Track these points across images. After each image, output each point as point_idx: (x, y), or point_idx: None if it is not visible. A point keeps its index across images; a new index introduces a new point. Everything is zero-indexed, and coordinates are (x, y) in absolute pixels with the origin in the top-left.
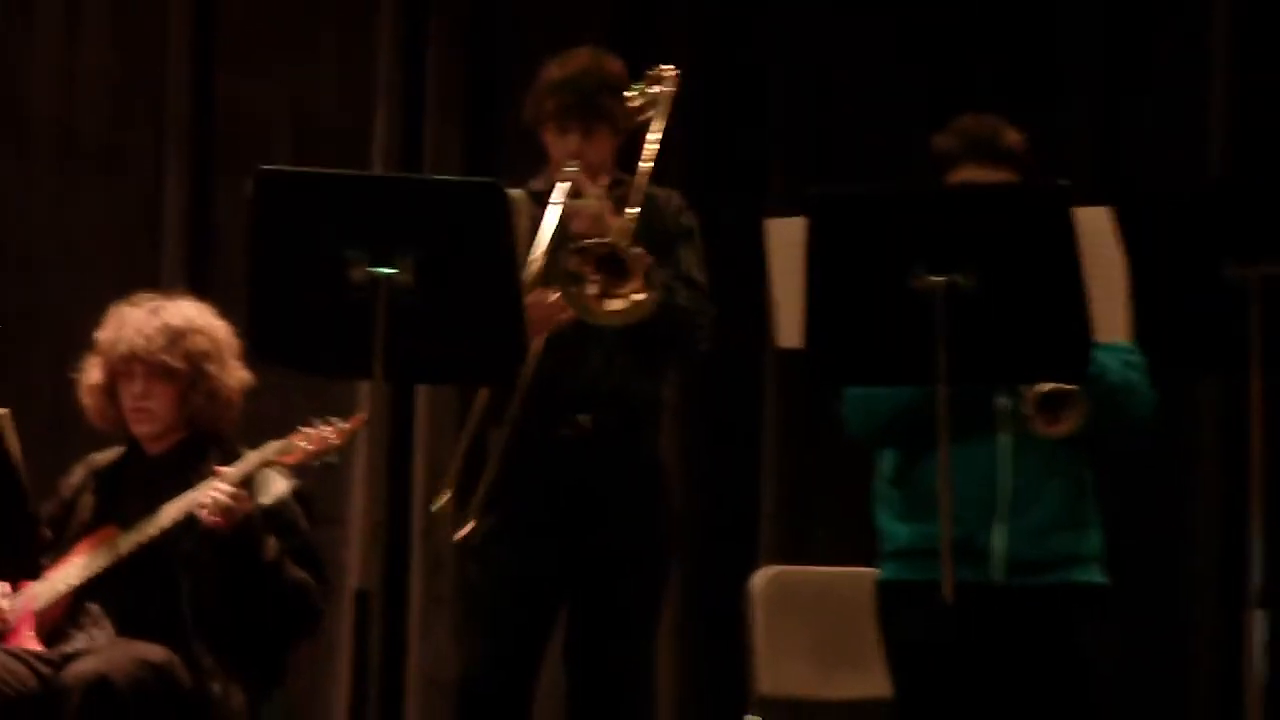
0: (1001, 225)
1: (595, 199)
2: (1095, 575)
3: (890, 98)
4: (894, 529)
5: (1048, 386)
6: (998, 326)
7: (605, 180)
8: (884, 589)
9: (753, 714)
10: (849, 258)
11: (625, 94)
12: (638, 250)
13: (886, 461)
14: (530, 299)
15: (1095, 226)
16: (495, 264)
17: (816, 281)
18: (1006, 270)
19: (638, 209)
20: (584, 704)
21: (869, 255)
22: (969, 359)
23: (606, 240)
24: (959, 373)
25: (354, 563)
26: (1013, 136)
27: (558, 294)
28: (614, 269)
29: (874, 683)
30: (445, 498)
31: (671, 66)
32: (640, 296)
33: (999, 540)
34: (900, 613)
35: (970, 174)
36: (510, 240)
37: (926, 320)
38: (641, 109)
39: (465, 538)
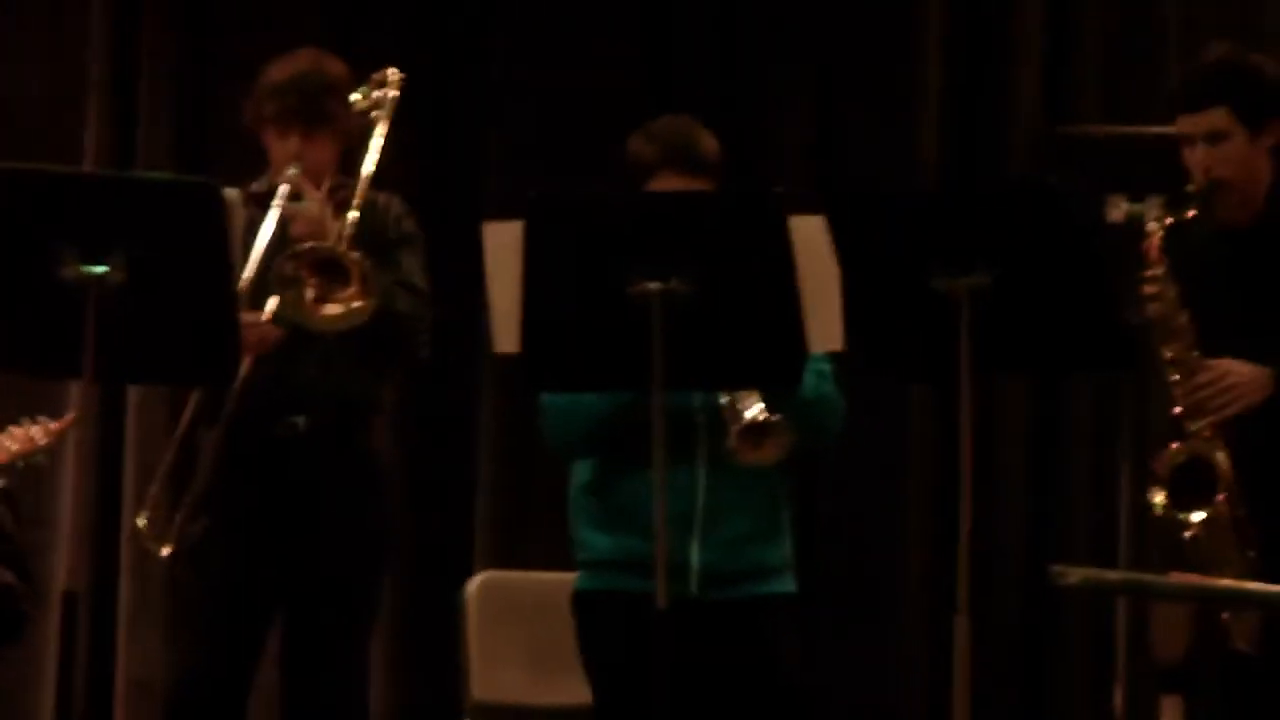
0: (717, 231)
1: (315, 203)
2: (785, 584)
3: (610, 102)
4: (590, 539)
5: (750, 418)
6: (713, 333)
7: (327, 184)
8: (581, 599)
9: None
10: (565, 262)
11: (350, 97)
12: (356, 255)
13: (582, 470)
14: (242, 320)
15: (810, 235)
16: (209, 264)
17: (533, 286)
18: (722, 276)
19: (357, 213)
20: (298, 706)
21: (585, 259)
22: (684, 365)
23: (324, 244)
24: (674, 378)
25: (62, 565)
26: (709, 143)
27: (268, 315)
28: (332, 273)
29: (587, 688)
30: (143, 520)
31: (395, 70)
32: (358, 303)
33: (695, 554)
34: (598, 624)
35: (668, 183)
36: (225, 241)
37: (642, 325)
38: (366, 113)
39: (172, 549)
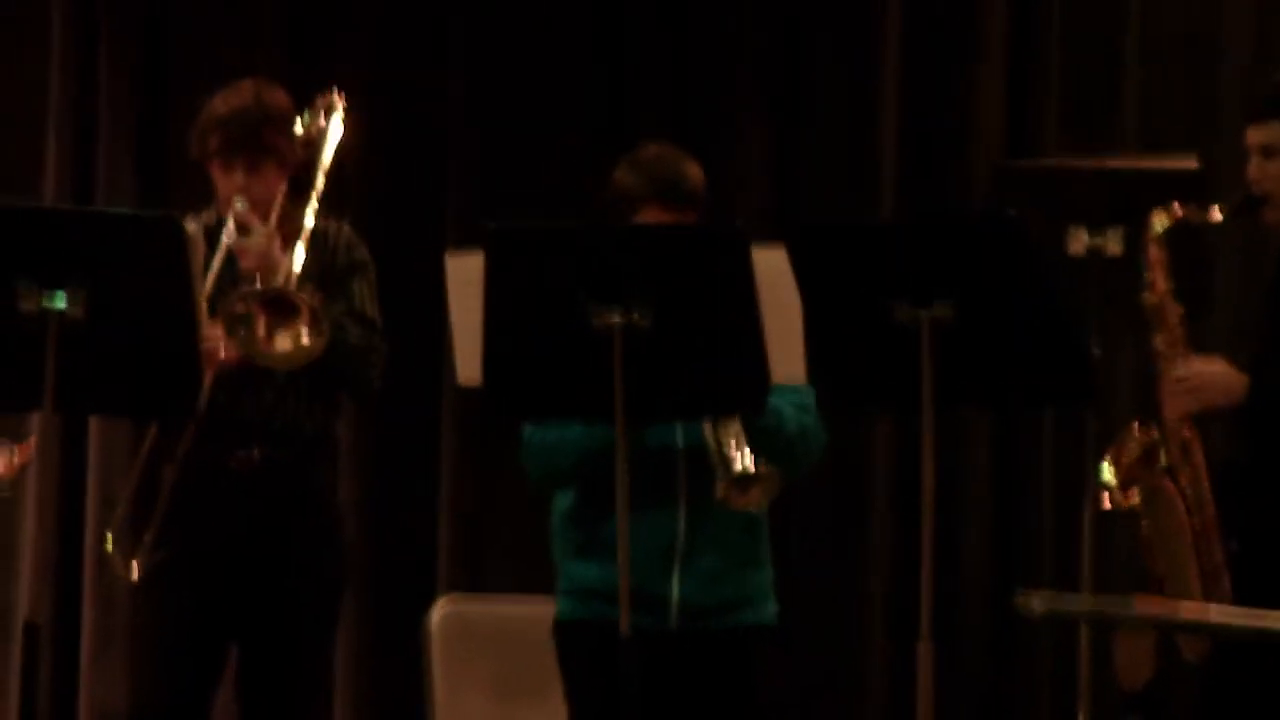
0: (678, 264)
1: (263, 236)
2: (764, 614)
3: (570, 134)
4: (572, 568)
5: (740, 470)
6: (675, 365)
7: (275, 215)
8: (561, 628)
9: None
10: (526, 294)
11: (296, 125)
12: (305, 293)
13: (564, 498)
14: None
15: (773, 266)
16: (171, 298)
17: (494, 318)
18: (684, 309)
19: (305, 245)
20: None
21: (546, 291)
22: (646, 397)
23: (273, 284)
24: (637, 410)
25: (24, 595)
26: (694, 175)
27: (221, 331)
28: (282, 310)
29: (552, 716)
30: (111, 544)
31: (338, 93)
32: (307, 340)
33: (675, 587)
34: (578, 652)
35: (653, 216)
36: (187, 274)
37: (604, 357)
38: (312, 139)
39: (139, 573)
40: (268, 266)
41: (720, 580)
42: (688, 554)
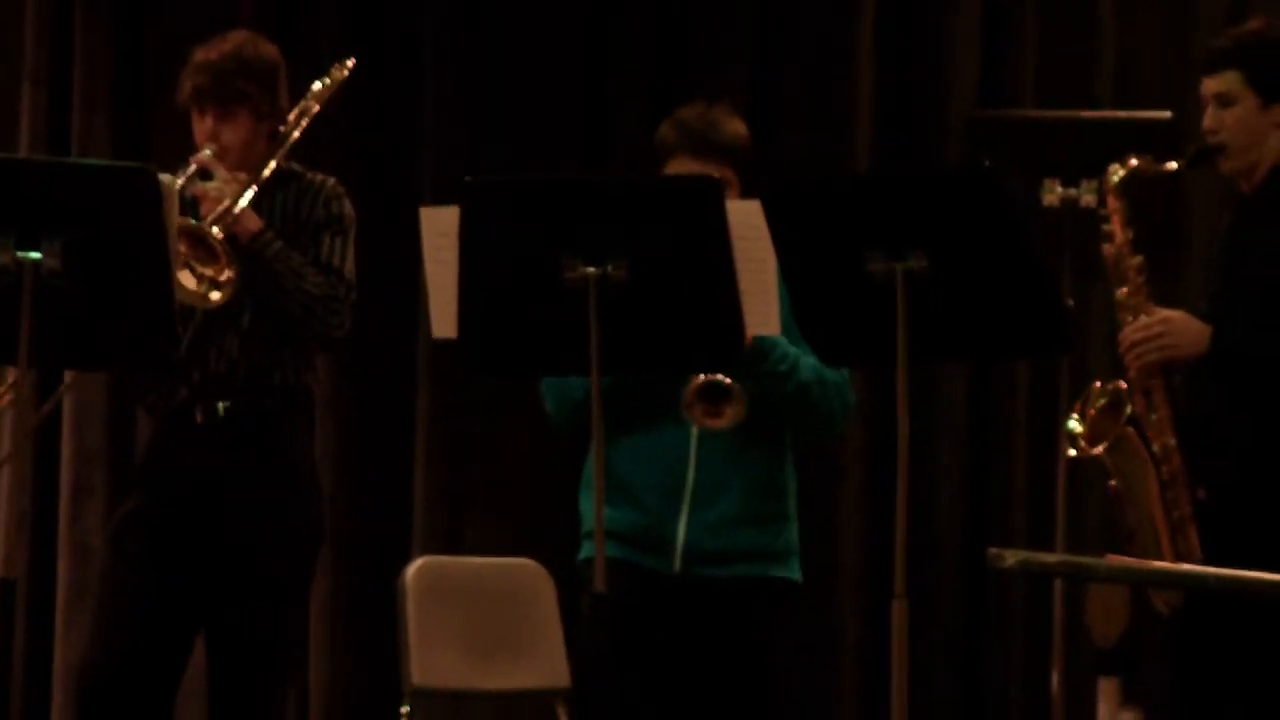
0: (654, 216)
1: (223, 182)
2: (785, 571)
3: (546, 86)
4: (588, 511)
5: (705, 378)
6: (650, 317)
7: (255, 163)
8: (580, 567)
9: (406, 705)
10: (501, 247)
11: (319, 84)
12: (222, 239)
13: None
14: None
15: (747, 220)
16: (146, 249)
17: (469, 271)
18: (658, 261)
19: (255, 189)
20: (227, 691)
21: (521, 244)
22: (622, 349)
23: (188, 222)
24: (611, 363)
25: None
26: (730, 129)
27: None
28: (205, 250)
29: (526, 673)
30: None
31: (352, 59)
32: (215, 284)
33: (681, 530)
34: (586, 591)
35: (683, 166)
36: (162, 226)
37: (579, 310)
38: (317, 99)
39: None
40: (220, 211)
41: (732, 529)
42: (698, 497)
